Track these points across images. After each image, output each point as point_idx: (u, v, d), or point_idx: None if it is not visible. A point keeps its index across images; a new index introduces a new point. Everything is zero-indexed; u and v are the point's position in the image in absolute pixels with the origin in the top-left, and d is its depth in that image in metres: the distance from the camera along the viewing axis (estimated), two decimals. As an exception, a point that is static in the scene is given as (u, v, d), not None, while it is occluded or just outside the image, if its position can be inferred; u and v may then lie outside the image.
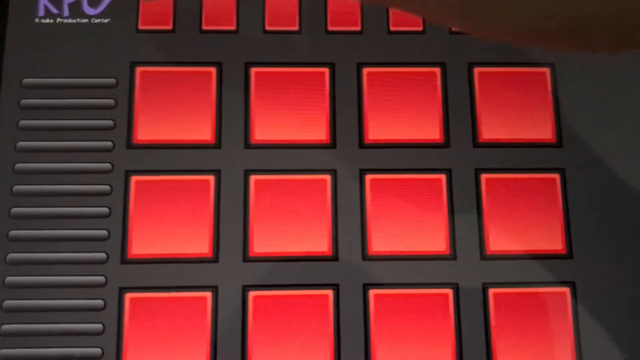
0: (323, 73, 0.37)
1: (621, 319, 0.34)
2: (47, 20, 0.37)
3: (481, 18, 0.18)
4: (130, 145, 0.35)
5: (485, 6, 0.18)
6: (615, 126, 0.36)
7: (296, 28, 0.37)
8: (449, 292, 0.34)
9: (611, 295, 0.34)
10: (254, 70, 0.37)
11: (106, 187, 0.35)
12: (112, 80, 0.36)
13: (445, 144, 0.36)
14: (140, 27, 0.37)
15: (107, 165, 0.35)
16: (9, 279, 0.33)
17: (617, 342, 0.34)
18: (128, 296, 0.33)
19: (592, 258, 0.35)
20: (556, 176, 0.36)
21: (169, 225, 0.34)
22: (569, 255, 0.35)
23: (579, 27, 0.17)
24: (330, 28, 0.37)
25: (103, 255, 0.34)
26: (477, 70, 0.37)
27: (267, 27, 0.37)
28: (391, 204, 0.35)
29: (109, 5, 0.37)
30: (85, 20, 0.37)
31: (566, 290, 0.34)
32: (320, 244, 0.34)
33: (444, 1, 0.18)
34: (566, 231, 0.35)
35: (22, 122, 0.35)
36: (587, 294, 0.34)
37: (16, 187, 0.34)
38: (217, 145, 0.35)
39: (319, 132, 0.36)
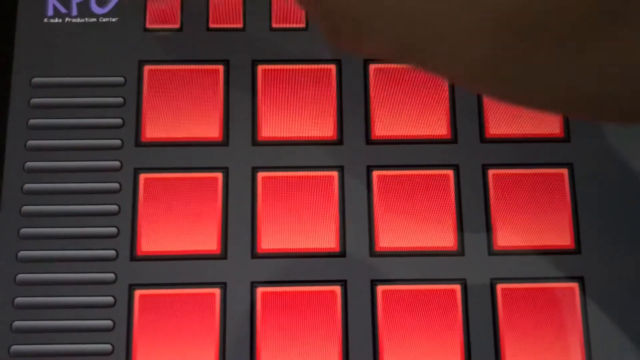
0: (330, 70, 0.37)
1: (630, 313, 0.34)
2: (56, 20, 0.37)
3: (516, 87, 0.18)
4: (138, 143, 0.36)
5: (523, 77, 0.17)
6: (623, 120, 0.36)
7: (303, 25, 0.37)
8: (457, 287, 0.34)
9: (620, 290, 0.34)
10: (260, 68, 0.37)
11: (115, 185, 0.35)
12: (121, 79, 0.36)
13: (453, 139, 0.36)
14: (148, 25, 0.37)
15: (116, 163, 0.35)
16: (20, 276, 0.34)
17: (626, 337, 0.34)
18: (137, 293, 0.34)
19: (600, 253, 0.35)
20: (564, 171, 0.36)
21: (178, 222, 0.35)
22: (577, 250, 0.35)
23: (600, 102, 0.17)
24: (336, 25, 0.37)
25: (113, 252, 0.34)
26: (484, 65, 0.37)
27: (274, 25, 0.37)
28: (398, 200, 0.35)
29: (116, 4, 0.37)
30: (94, 20, 0.37)
31: (575, 285, 0.34)
32: (328, 240, 0.34)
33: (472, 67, 0.18)
34: (574, 226, 0.35)
35: (32, 121, 0.36)
36: (595, 289, 0.34)
37: (26, 186, 0.35)
38: (225, 142, 0.36)
39: (325, 129, 0.36)
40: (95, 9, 0.37)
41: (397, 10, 0.17)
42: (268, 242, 0.34)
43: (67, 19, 0.37)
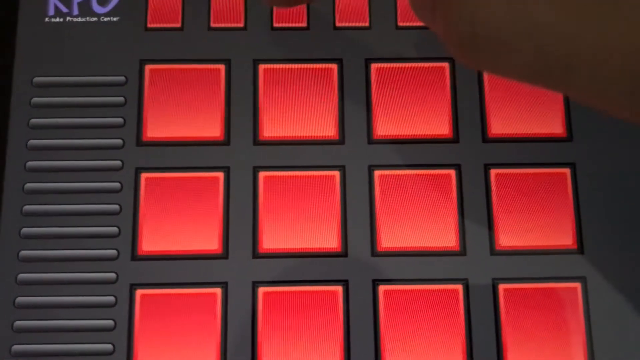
0: (331, 69, 0.37)
1: (633, 314, 0.34)
2: (57, 19, 0.37)
3: None
4: (140, 142, 0.36)
5: None
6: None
7: (304, 24, 0.37)
8: (459, 287, 0.34)
9: (623, 290, 0.34)
10: (262, 67, 0.37)
11: (116, 185, 0.35)
12: (122, 78, 0.36)
13: (455, 139, 0.36)
14: (149, 25, 0.37)
15: (117, 163, 0.35)
16: (21, 275, 0.34)
17: (629, 337, 0.33)
18: (139, 292, 0.34)
19: (603, 253, 0.34)
20: (567, 171, 0.35)
21: (179, 222, 0.34)
22: (579, 250, 0.35)
23: None
24: (338, 24, 0.37)
25: (114, 252, 0.34)
26: (486, 64, 0.37)
27: (275, 24, 0.37)
28: (400, 200, 0.35)
29: (118, 4, 0.37)
30: (95, 19, 0.37)
31: (577, 285, 0.34)
32: (330, 240, 0.34)
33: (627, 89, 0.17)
34: (577, 226, 0.35)
35: (33, 121, 0.36)
36: (598, 289, 0.34)
37: (27, 185, 0.35)
38: (226, 142, 0.36)
39: (327, 128, 0.36)
40: (97, 8, 0.37)
41: (554, 32, 0.17)
42: (269, 241, 0.34)
43: (68, 19, 0.37)
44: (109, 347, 0.33)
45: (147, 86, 0.36)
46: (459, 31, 0.19)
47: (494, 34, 0.18)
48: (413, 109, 0.36)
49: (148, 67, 0.36)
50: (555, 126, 0.36)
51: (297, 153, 0.35)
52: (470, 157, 0.36)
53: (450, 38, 0.20)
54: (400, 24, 0.37)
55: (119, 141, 0.35)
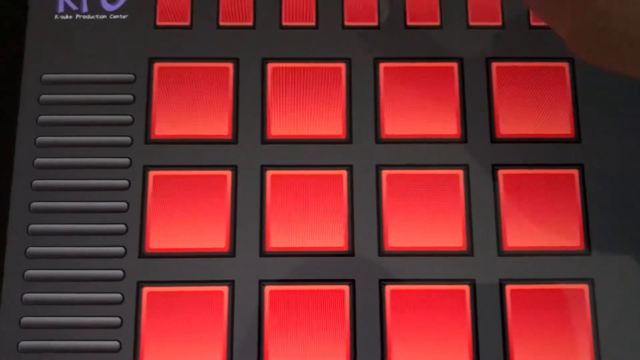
0: (340, 68, 0.37)
1: (641, 316, 0.34)
2: (67, 17, 0.37)
3: None
4: (148, 140, 0.36)
5: None
6: (635, 121, 0.36)
7: (313, 23, 0.37)
8: (466, 288, 0.34)
9: (630, 292, 0.34)
10: (270, 66, 0.37)
11: (124, 182, 0.35)
12: (130, 76, 0.36)
13: (463, 139, 0.36)
14: (158, 23, 0.37)
15: (126, 161, 0.35)
16: (29, 272, 0.34)
17: (635, 338, 0.33)
18: (146, 290, 0.34)
19: (610, 254, 0.34)
20: (575, 172, 0.35)
21: (186, 220, 0.34)
22: (587, 251, 0.34)
23: None
24: (347, 23, 0.37)
25: (121, 249, 0.34)
26: (494, 65, 0.37)
27: (284, 23, 0.37)
28: (408, 200, 0.35)
29: (127, 2, 0.37)
30: (104, 17, 0.37)
31: (584, 287, 0.34)
32: (337, 240, 0.34)
33: None
34: (584, 227, 0.35)
35: (42, 118, 0.36)
36: (605, 290, 0.34)
37: (36, 182, 0.35)
38: (234, 140, 0.36)
39: (335, 128, 0.36)
40: (106, 5, 0.37)
41: None
42: (277, 240, 0.34)
43: (77, 16, 0.37)
44: (116, 344, 0.33)
45: (155, 84, 0.36)
46: (588, 26, 0.18)
47: (629, 27, 0.17)
48: (421, 109, 0.36)
49: (157, 65, 0.37)
50: (563, 127, 0.36)
51: (305, 152, 0.35)
52: (478, 157, 0.35)
53: (577, 35, 0.19)
54: (409, 23, 0.37)
55: (127, 139, 0.36)
